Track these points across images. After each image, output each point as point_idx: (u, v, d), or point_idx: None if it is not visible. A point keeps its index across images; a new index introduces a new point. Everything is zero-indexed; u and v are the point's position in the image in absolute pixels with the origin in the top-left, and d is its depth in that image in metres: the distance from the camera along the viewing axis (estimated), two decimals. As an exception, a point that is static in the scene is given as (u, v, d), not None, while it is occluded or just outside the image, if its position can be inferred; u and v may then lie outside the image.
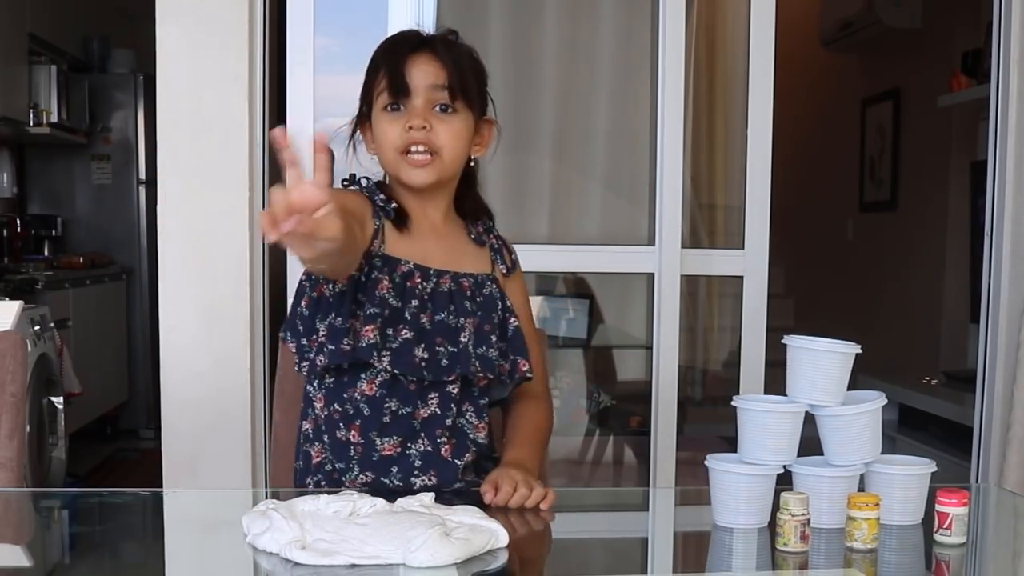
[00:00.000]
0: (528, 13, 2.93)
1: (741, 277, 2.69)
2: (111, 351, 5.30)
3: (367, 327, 1.52)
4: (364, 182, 1.65)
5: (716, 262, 2.73)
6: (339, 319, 1.53)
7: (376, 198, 1.61)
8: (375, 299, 1.54)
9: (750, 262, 2.68)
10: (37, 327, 3.69)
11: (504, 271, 1.69)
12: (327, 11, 2.52)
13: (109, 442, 5.30)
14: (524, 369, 1.63)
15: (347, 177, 1.66)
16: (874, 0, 4.87)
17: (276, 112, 2.56)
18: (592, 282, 3.16)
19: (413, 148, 1.56)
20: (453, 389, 1.58)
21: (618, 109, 2.92)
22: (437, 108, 1.57)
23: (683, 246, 2.64)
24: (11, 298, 3.14)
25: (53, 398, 3.88)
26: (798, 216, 5.46)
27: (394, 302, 1.55)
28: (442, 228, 1.66)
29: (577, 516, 1.61)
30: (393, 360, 1.53)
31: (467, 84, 1.59)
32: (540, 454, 1.66)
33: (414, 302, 1.56)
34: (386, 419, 1.56)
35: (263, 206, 2.50)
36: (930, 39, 4.75)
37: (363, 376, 1.56)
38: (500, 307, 1.64)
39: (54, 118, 5.06)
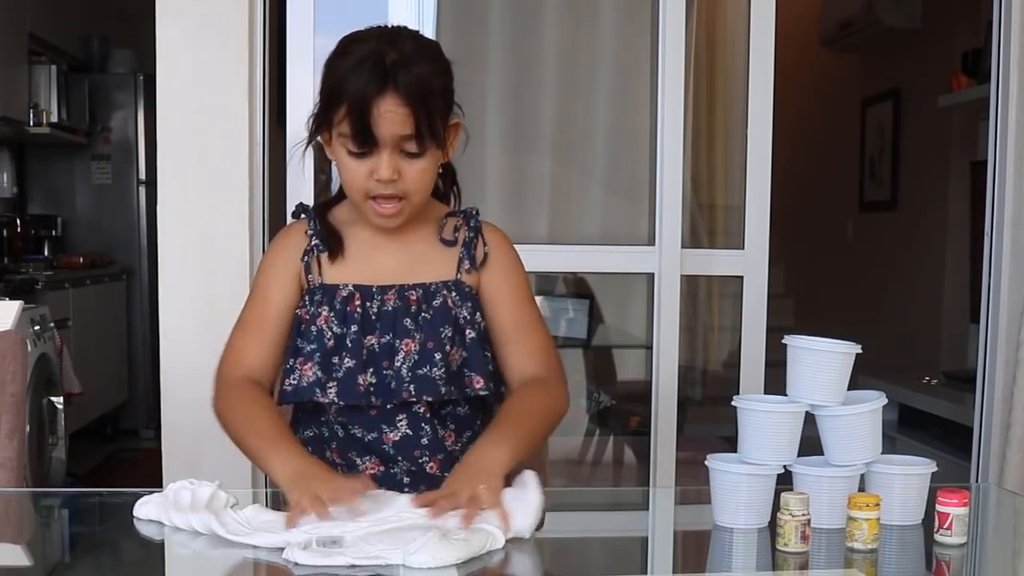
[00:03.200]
0: (528, 13, 2.93)
1: (741, 277, 2.69)
2: (111, 351, 5.30)
3: (306, 365, 1.51)
4: (307, 214, 1.60)
5: (716, 262, 2.73)
6: (289, 360, 1.53)
7: (312, 231, 1.57)
8: (312, 335, 1.52)
9: (750, 262, 2.68)
10: (37, 327, 3.69)
11: (468, 268, 1.57)
12: (327, 11, 2.53)
13: (109, 442, 5.30)
14: (478, 386, 1.53)
15: (295, 209, 1.64)
16: (874, 0, 4.87)
17: (276, 112, 2.56)
18: (592, 282, 3.16)
19: (380, 194, 1.48)
20: (420, 409, 1.53)
21: (618, 109, 2.92)
22: (403, 152, 1.47)
23: (683, 246, 2.64)
24: (11, 298, 3.13)
25: (53, 398, 3.88)
26: (798, 216, 5.46)
27: (337, 329, 1.52)
28: (401, 242, 1.57)
29: (577, 516, 1.61)
30: (339, 392, 1.50)
31: (434, 123, 1.46)
32: (519, 441, 1.44)
33: (354, 327, 1.51)
34: (357, 446, 1.55)
35: (263, 206, 2.50)
36: (930, 39, 4.75)
37: (333, 404, 1.54)
38: (458, 317, 1.54)
39: (54, 118, 5.06)
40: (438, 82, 1.48)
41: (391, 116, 1.43)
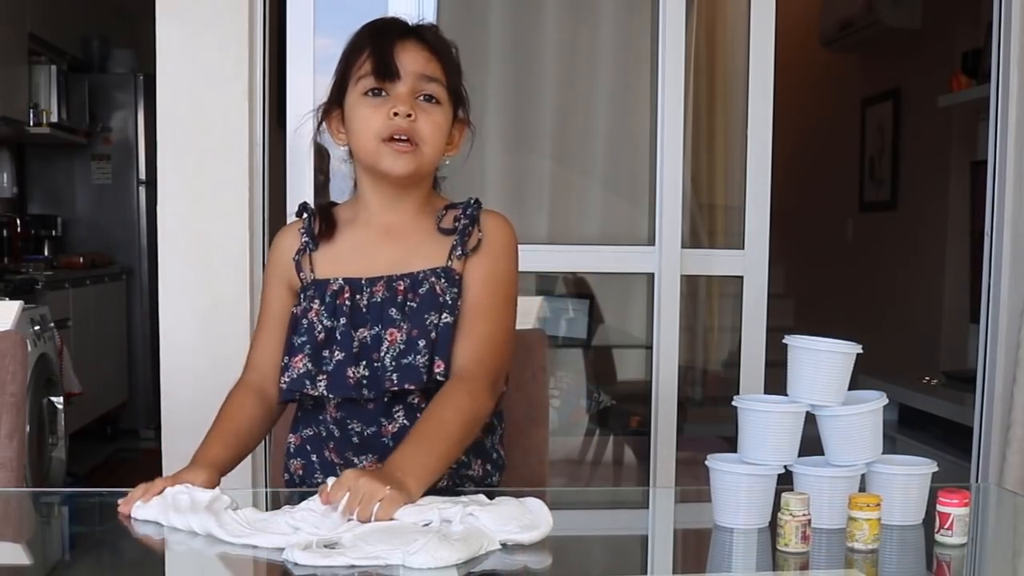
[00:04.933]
0: (528, 13, 2.93)
1: (741, 277, 2.69)
2: (111, 351, 5.30)
3: (296, 357, 1.52)
4: (306, 211, 1.63)
5: (716, 262, 2.73)
6: (285, 358, 1.55)
7: (304, 228, 1.60)
8: (303, 328, 1.53)
9: (750, 262, 2.68)
10: (37, 327, 3.69)
11: (459, 255, 1.55)
12: (327, 11, 2.53)
13: (109, 442, 5.30)
14: (438, 370, 1.49)
15: (298, 208, 1.66)
16: (874, 0, 4.87)
17: (276, 112, 2.56)
18: (592, 282, 3.16)
19: (396, 136, 1.49)
20: (414, 399, 1.53)
21: (618, 109, 2.92)
22: (421, 98, 1.51)
23: (683, 246, 2.64)
24: (11, 298, 3.14)
25: (53, 398, 3.88)
26: (798, 216, 5.46)
27: (327, 322, 1.53)
28: (402, 229, 1.58)
29: (577, 515, 1.61)
30: (329, 384, 1.51)
31: (452, 77, 1.54)
32: (433, 451, 1.39)
33: (342, 320, 1.52)
34: (355, 440, 1.55)
35: (263, 206, 2.50)
36: (930, 39, 4.75)
37: (328, 399, 1.55)
38: (444, 303, 1.52)
39: (54, 118, 5.06)
40: (456, 60, 1.58)
41: (415, 53, 1.51)
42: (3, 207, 5.18)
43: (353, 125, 1.53)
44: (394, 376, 1.50)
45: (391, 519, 1.25)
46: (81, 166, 5.54)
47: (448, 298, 1.52)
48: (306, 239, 1.59)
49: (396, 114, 1.48)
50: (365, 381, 1.51)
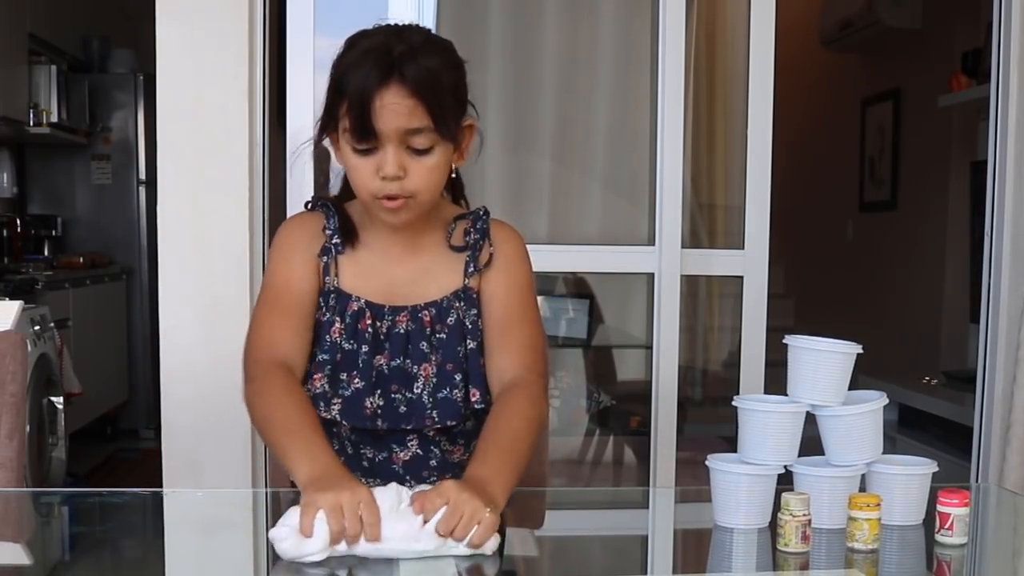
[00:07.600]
0: (528, 13, 2.93)
1: (741, 277, 2.69)
2: (111, 351, 5.30)
3: (316, 375, 1.46)
4: (324, 208, 1.52)
5: (716, 262, 2.73)
6: (309, 363, 1.48)
7: (331, 229, 1.50)
8: (326, 344, 1.47)
9: (750, 262, 2.68)
10: (37, 327, 3.68)
11: (471, 271, 1.52)
12: (327, 11, 2.53)
13: (109, 442, 5.30)
14: (473, 400, 1.47)
15: (309, 200, 1.57)
16: (874, 0, 4.87)
17: (276, 112, 2.56)
18: (592, 282, 3.16)
19: (388, 195, 1.40)
20: (430, 432, 1.50)
21: (618, 109, 2.92)
22: (411, 148, 1.39)
23: (683, 246, 2.64)
24: (11, 298, 3.13)
25: (53, 398, 3.88)
26: (798, 216, 5.45)
27: (347, 345, 1.47)
28: (411, 249, 1.51)
29: (577, 515, 1.61)
30: (343, 411, 1.46)
31: (445, 117, 1.39)
32: (512, 464, 1.35)
33: (365, 347, 1.47)
34: (365, 463, 1.52)
35: (263, 206, 2.50)
36: (930, 39, 4.75)
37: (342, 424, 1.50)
38: (465, 327, 1.49)
39: (54, 118, 5.06)
40: (448, 76, 1.41)
41: (395, 108, 1.35)
42: (3, 207, 5.18)
43: (348, 170, 1.45)
44: (434, 413, 1.47)
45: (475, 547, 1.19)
46: (81, 166, 5.54)
47: (468, 321, 1.50)
48: (337, 240, 1.50)
49: (385, 177, 1.39)
50: (380, 411, 1.48)
